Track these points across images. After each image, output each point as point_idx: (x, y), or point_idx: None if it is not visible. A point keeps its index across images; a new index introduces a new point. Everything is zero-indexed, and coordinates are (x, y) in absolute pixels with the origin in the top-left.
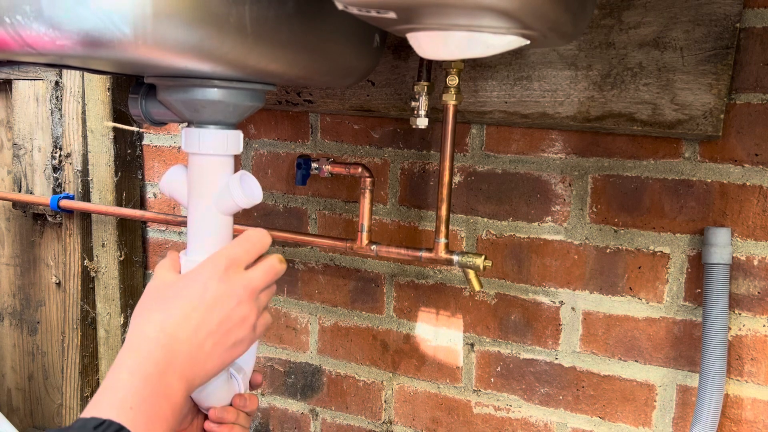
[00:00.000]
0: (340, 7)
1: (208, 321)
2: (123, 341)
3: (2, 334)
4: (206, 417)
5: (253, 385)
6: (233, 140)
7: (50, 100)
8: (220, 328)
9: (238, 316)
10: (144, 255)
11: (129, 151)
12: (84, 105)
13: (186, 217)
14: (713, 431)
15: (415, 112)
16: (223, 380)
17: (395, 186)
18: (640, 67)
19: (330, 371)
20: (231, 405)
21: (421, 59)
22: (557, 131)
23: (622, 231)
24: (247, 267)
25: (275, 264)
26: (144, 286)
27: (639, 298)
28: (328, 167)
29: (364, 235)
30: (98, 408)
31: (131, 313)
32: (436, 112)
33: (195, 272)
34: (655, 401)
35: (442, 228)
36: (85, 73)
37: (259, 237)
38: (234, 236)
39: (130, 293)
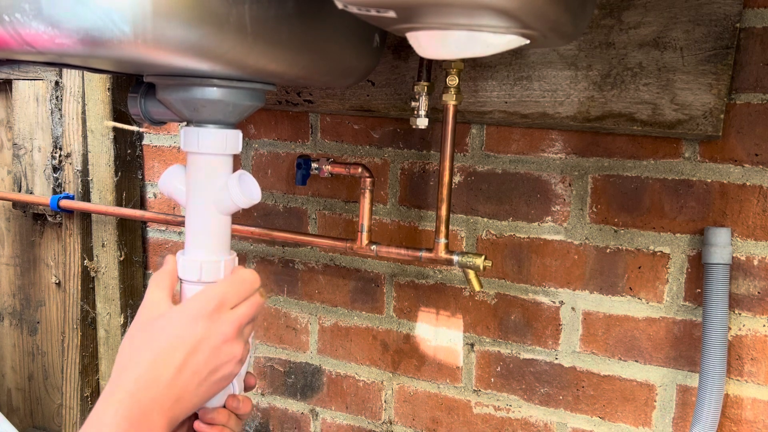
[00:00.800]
0: (339, 6)
1: (194, 361)
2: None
3: (2, 334)
4: (197, 417)
5: (246, 387)
6: (232, 140)
7: (50, 100)
8: (207, 366)
9: (225, 354)
10: (144, 255)
11: (129, 151)
12: (84, 105)
13: (184, 217)
14: (713, 431)
15: (415, 112)
16: None
17: (395, 186)
18: (640, 67)
19: (330, 371)
20: (224, 406)
21: (421, 59)
22: (557, 131)
23: (622, 231)
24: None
25: (259, 300)
26: (144, 287)
27: (639, 298)
28: (328, 167)
29: (364, 235)
30: None
31: (131, 313)
32: (436, 112)
33: (185, 308)
34: (655, 401)
35: (442, 228)
36: (85, 73)
37: (251, 280)
38: (233, 235)
39: (130, 293)
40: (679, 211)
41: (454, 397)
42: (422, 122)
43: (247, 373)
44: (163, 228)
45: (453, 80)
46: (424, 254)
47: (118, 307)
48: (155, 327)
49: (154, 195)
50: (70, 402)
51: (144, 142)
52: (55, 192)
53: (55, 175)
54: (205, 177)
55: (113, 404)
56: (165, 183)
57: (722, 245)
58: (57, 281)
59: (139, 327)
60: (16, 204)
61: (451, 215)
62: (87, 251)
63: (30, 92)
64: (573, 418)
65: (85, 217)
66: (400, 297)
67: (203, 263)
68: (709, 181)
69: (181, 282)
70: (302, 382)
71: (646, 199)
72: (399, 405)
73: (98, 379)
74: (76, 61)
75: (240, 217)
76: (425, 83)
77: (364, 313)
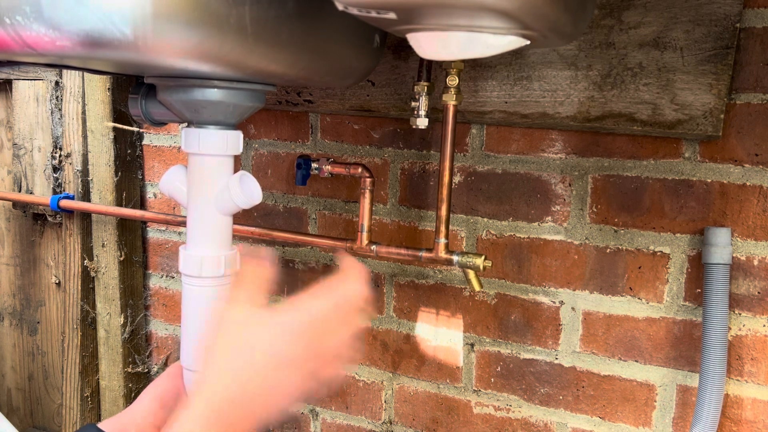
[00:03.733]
0: (340, 7)
1: (283, 382)
2: (123, 341)
3: (2, 334)
4: None
5: None
6: (233, 140)
7: (50, 100)
8: (295, 387)
9: (314, 376)
10: (144, 255)
11: (129, 151)
12: (84, 105)
13: (186, 217)
14: (713, 431)
15: (415, 112)
16: None
17: (395, 186)
18: (640, 67)
19: None
20: None
21: (421, 59)
22: (557, 131)
23: (622, 231)
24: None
25: (360, 325)
26: (144, 286)
27: (639, 298)
28: (328, 167)
29: (364, 235)
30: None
31: (131, 313)
32: (436, 112)
33: (280, 324)
34: (655, 401)
35: (442, 228)
36: (85, 73)
37: (352, 293)
38: (233, 236)
39: (130, 293)
40: (679, 211)
41: (454, 397)
42: (422, 122)
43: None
44: (163, 228)
45: (453, 80)
46: (424, 254)
47: (118, 307)
48: (247, 340)
49: (154, 195)
50: (70, 402)
51: (144, 142)
52: (55, 192)
53: (55, 175)
54: (206, 178)
55: (193, 420)
56: (166, 183)
57: (722, 245)
58: (57, 281)
59: (226, 340)
60: (16, 204)
61: (451, 215)
62: (87, 251)
63: (30, 92)
64: (573, 418)
65: (85, 217)
66: (400, 297)
67: (204, 258)
68: (709, 181)
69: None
70: None
71: (646, 199)
72: (399, 405)
73: (98, 379)
74: (76, 62)
75: (240, 217)
76: (425, 83)
77: None
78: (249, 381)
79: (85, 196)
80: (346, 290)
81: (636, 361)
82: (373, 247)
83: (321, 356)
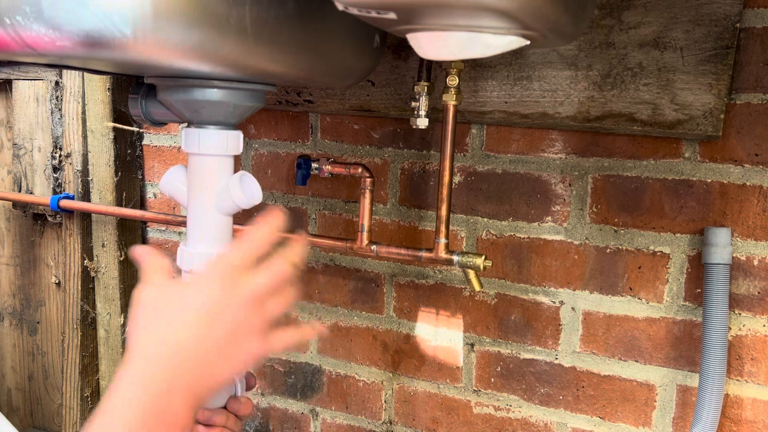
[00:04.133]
0: (340, 7)
1: (214, 330)
2: (123, 341)
3: (2, 334)
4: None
5: (246, 387)
6: (233, 141)
7: (50, 100)
8: (227, 337)
9: (244, 325)
10: None
11: (129, 151)
12: (84, 105)
13: (186, 217)
14: (713, 431)
15: (415, 112)
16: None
17: (395, 186)
18: (640, 67)
19: (330, 371)
20: (224, 407)
21: (421, 59)
22: (557, 131)
23: (622, 231)
24: (255, 267)
25: (282, 268)
26: None
27: (639, 298)
28: (328, 167)
29: (364, 235)
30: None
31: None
32: (436, 112)
33: (193, 281)
34: (655, 401)
35: (442, 228)
36: (85, 73)
37: (259, 235)
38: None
39: (130, 293)
40: (679, 211)
41: (454, 397)
42: (422, 122)
43: (248, 373)
44: (163, 228)
45: (453, 80)
46: (424, 254)
47: (118, 307)
48: (165, 303)
49: (154, 195)
50: (70, 402)
51: (144, 142)
52: (55, 192)
53: (55, 175)
54: (207, 178)
55: (125, 393)
56: (166, 184)
57: (722, 245)
58: (57, 281)
59: (147, 305)
60: (16, 204)
61: (451, 215)
62: (87, 251)
63: (30, 92)
64: (573, 418)
65: (85, 217)
66: (400, 297)
67: (204, 257)
68: (709, 181)
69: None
70: (302, 382)
71: (646, 199)
72: (399, 405)
73: (98, 379)
74: (76, 62)
75: (240, 217)
76: (425, 83)
77: (364, 313)
78: (179, 342)
79: (85, 196)
80: (258, 232)
81: (636, 361)
82: (374, 247)
83: (239, 298)
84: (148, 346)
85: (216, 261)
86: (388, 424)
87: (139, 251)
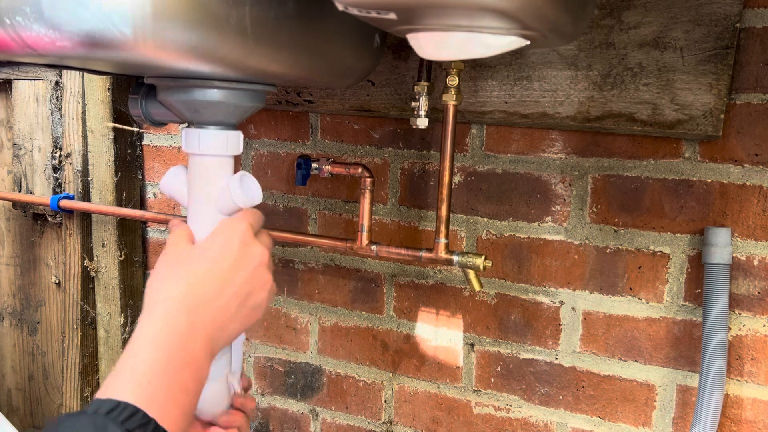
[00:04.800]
0: (340, 8)
1: (233, 281)
2: (123, 341)
3: (2, 334)
4: (210, 424)
5: (242, 389)
6: (233, 141)
7: (50, 100)
8: (244, 289)
9: (259, 279)
10: (144, 255)
11: (129, 151)
12: (84, 105)
13: (186, 217)
14: (713, 431)
15: (415, 112)
16: (221, 384)
17: (395, 186)
18: (640, 67)
19: (330, 371)
20: (232, 406)
21: (421, 59)
22: (557, 131)
23: (622, 231)
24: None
25: (270, 240)
26: (144, 287)
27: (639, 298)
28: (328, 167)
29: (364, 235)
30: (116, 383)
31: (131, 313)
32: (436, 112)
33: (214, 235)
34: (655, 401)
35: (442, 228)
36: (85, 74)
37: (259, 213)
38: None
39: (130, 293)
40: (679, 211)
41: (454, 397)
42: (422, 122)
43: (242, 374)
44: (163, 228)
45: (453, 80)
46: (424, 254)
47: (118, 307)
48: (188, 255)
49: (154, 195)
50: (70, 402)
51: (144, 142)
52: (55, 192)
53: (55, 175)
54: (207, 178)
55: (148, 333)
56: (166, 184)
57: (722, 245)
58: (57, 281)
59: (170, 259)
60: (16, 204)
61: (451, 215)
62: (87, 251)
63: (30, 92)
64: (573, 418)
65: (85, 217)
66: (400, 297)
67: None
68: (709, 181)
69: None
70: (302, 382)
71: (646, 199)
72: (399, 405)
73: (98, 379)
74: (77, 62)
75: None
76: (425, 83)
77: (364, 313)
78: (201, 290)
79: (85, 196)
80: (248, 209)
81: (636, 361)
82: (373, 247)
83: (258, 255)
84: (173, 294)
85: (234, 220)
86: (388, 424)
87: (172, 221)
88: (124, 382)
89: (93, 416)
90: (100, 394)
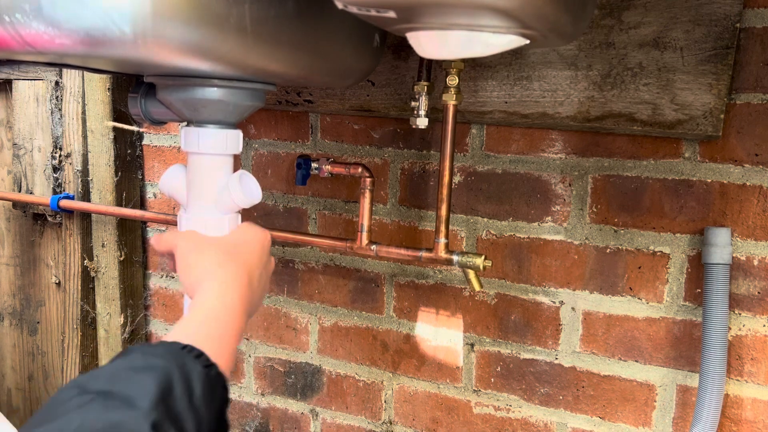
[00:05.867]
0: (340, 6)
1: (266, 271)
2: (123, 341)
3: (2, 334)
4: None
5: None
6: (233, 140)
7: (50, 100)
8: (266, 277)
9: (269, 271)
10: (144, 255)
11: (129, 151)
12: (84, 105)
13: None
14: (713, 431)
15: (415, 112)
16: None
17: (395, 186)
18: (640, 67)
19: (330, 371)
20: None
21: (421, 59)
22: (557, 131)
23: (622, 231)
24: None
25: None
26: (144, 286)
27: (639, 298)
28: (328, 167)
29: (364, 235)
30: (181, 332)
31: (131, 313)
32: (436, 112)
33: (244, 230)
34: (655, 401)
35: (442, 228)
36: (85, 73)
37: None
38: None
39: (130, 293)
40: (679, 211)
41: (454, 397)
42: (422, 122)
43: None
44: (164, 228)
45: (453, 80)
46: (424, 254)
47: (118, 307)
48: (234, 247)
49: (154, 195)
50: None
51: (144, 142)
52: (55, 192)
53: (55, 175)
54: (206, 177)
55: (213, 292)
56: (166, 183)
57: (722, 245)
58: (57, 281)
59: (221, 248)
60: (16, 204)
61: (451, 215)
62: (87, 251)
63: (30, 92)
64: (573, 418)
65: (85, 217)
66: (400, 297)
67: (208, 220)
68: (709, 181)
69: None
70: (302, 382)
71: (646, 199)
72: (399, 405)
73: None
74: (76, 61)
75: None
76: (425, 83)
77: (364, 313)
78: (253, 270)
79: (85, 196)
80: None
81: (636, 361)
82: (373, 247)
83: (268, 238)
84: (228, 275)
85: (253, 229)
86: (388, 424)
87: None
88: (190, 332)
89: (171, 345)
90: (170, 337)
